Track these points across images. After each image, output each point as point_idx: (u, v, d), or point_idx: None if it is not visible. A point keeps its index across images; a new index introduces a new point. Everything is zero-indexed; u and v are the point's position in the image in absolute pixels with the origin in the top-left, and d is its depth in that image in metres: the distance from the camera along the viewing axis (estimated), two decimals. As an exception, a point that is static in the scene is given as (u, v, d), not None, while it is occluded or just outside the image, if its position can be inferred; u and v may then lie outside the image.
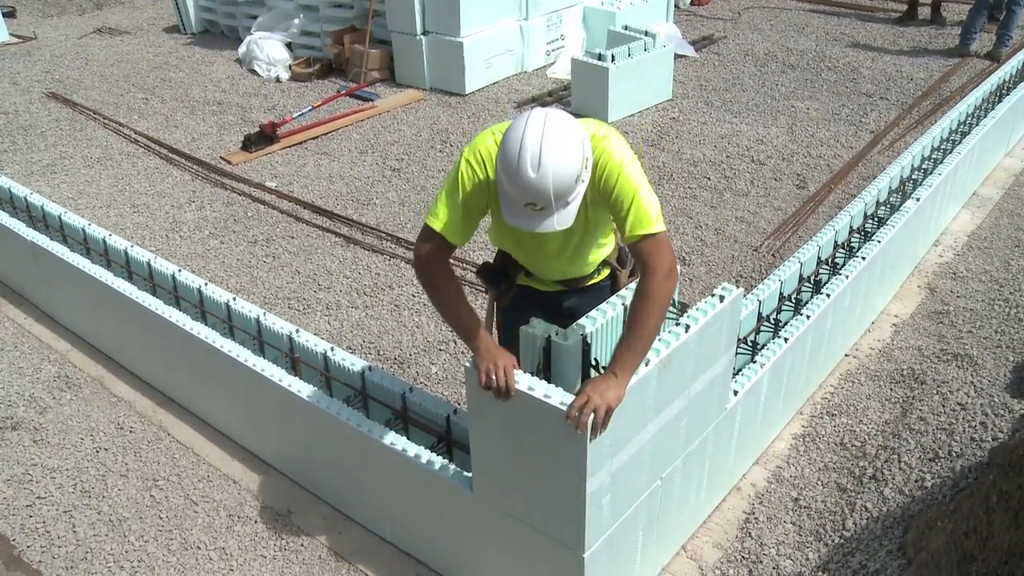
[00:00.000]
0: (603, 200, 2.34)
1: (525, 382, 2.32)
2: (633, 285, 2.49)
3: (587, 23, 8.70)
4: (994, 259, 4.84)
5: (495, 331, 3.08)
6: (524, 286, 2.79)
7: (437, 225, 2.38)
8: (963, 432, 3.35)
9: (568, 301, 2.78)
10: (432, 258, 2.41)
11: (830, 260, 3.92)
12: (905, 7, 9.66)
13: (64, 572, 3.17)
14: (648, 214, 2.29)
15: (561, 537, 2.50)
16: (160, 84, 8.50)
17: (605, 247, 2.71)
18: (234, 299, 3.71)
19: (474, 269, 4.95)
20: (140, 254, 4.12)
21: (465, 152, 2.40)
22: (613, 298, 2.67)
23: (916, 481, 3.17)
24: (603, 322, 2.57)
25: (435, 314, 4.58)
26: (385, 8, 8.01)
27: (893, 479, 3.22)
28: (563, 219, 2.20)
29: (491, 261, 2.83)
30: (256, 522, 3.34)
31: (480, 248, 5.20)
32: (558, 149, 2.11)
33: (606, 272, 2.79)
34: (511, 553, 2.71)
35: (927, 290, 4.59)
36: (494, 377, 2.30)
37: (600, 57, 6.90)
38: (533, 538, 2.58)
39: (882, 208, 4.39)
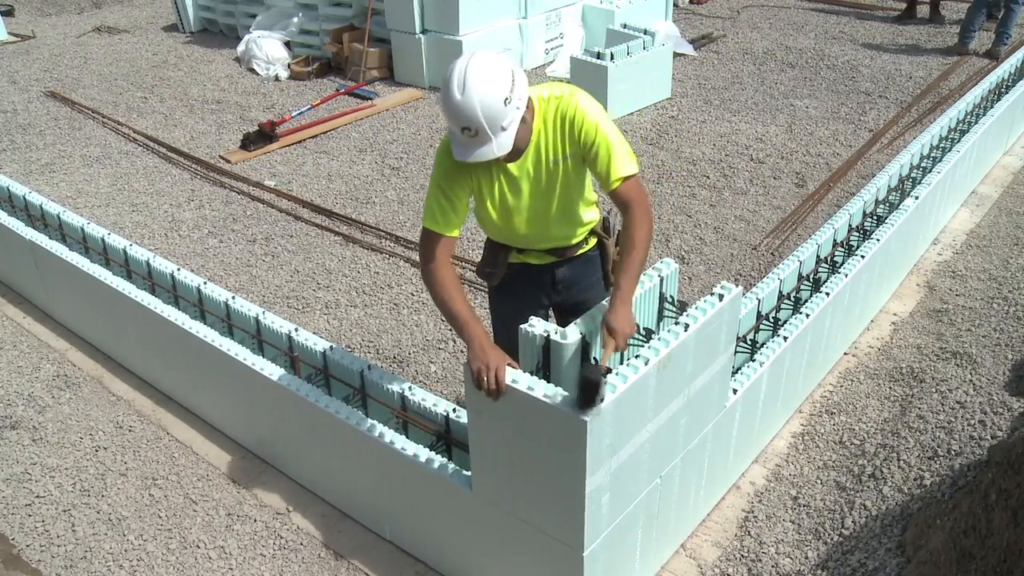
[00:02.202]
0: (582, 152, 2.53)
1: (525, 382, 2.32)
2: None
3: (586, 21, 8.70)
4: (993, 257, 4.84)
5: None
6: (517, 264, 2.88)
7: (428, 222, 2.58)
8: (962, 430, 3.35)
9: (560, 272, 2.88)
10: (429, 255, 2.58)
11: (829, 258, 3.92)
12: (904, 5, 9.66)
13: (63, 571, 3.17)
14: (625, 160, 2.52)
15: (560, 535, 2.50)
16: (159, 83, 8.49)
17: (592, 210, 2.80)
18: (233, 298, 3.71)
19: (474, 268, 4.97)
20: (139, 253, 4.12)
21: (443, 140, 2.57)
22: (605, 301, 2.66)
23: (915, 479, 3.18)
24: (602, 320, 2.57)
25: (434, 312, 4.59)
26: (384, 7, 8.00)
27: (892, 477, 3.22)
28: (501, 145, 2.36)
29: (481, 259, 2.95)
30: (255, 521, 3.34)
31: (480, 247, 5.19)
32: (481, 73, 2.30)
33: (593, 241, 2.90)
34: (510, 551, 2.71)
35: (926, 288, 4.59)
36: (485, 379, 2.34)
37: (599, 56, 6.90)
38: (533, 536, 2.58)
39: (881, 206, 4.39)
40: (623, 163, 2.50)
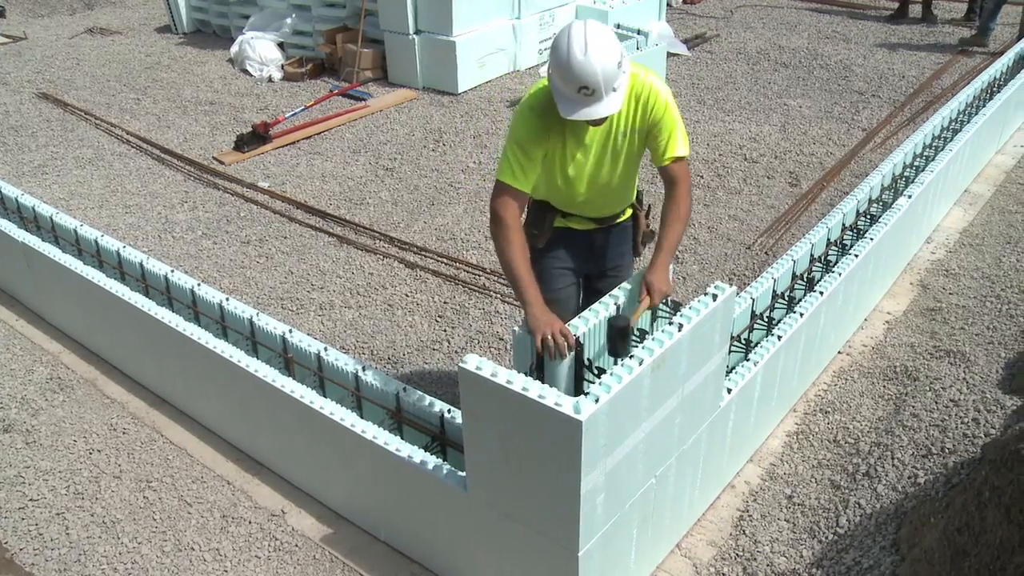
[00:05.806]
0: (650, 126, 2.76)
1: (519, 382, 2.32)
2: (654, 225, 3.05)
3: (580, 22, 8.69)
4: (986, 256, 4.86)
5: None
6: (561, 228, 3.08)
7: (504, 176, 2.72)
8: (956, 428, 3.37)
9: (599, 237, 3.11)
10: (502, 211, 2.71)
11: (823, 258, 3.93)
12: (896, 5, 9.70)
13: (57, 574, 3.16)
14: (684, 142, 2.80)
15: (555, 536, 2.50)
16: (152, 84, 8.47)
17: (635, 184, 3.06)
18: (227, 299, 3.71)
19: (468, 268, 4.96)
20: (132, 255, 4.11)
21: (524, 100, 2.74)
22: (606, 298, 2.67)
23: (909, 477, 3.19)
24: (595, 323, 2.58)
25: (428, 313, 4.58)
26: (377, 7, 7.99)
27: (886, 476, 3.23)
28: (612, 104, 2.55)
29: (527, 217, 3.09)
30: (250, 523, 3.34)
31: (475, 247, 5.20)
32: (601, 37, 2.50)
33: (629, 212, 3.13)
34: (506, 552, 2.71)
35: (919, 287, 4.60)
36: (550, 340, 2.54)
37: (593, 56, 6.89)
38: (528, 537, 2.59)
39: (874, 205, 4.40)
40: (680, 143, 2.77)
